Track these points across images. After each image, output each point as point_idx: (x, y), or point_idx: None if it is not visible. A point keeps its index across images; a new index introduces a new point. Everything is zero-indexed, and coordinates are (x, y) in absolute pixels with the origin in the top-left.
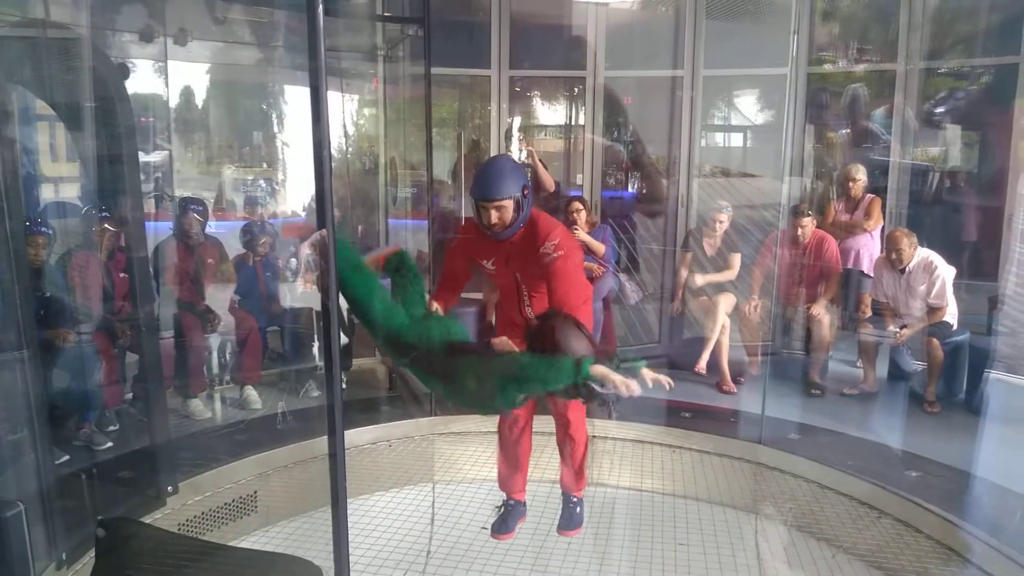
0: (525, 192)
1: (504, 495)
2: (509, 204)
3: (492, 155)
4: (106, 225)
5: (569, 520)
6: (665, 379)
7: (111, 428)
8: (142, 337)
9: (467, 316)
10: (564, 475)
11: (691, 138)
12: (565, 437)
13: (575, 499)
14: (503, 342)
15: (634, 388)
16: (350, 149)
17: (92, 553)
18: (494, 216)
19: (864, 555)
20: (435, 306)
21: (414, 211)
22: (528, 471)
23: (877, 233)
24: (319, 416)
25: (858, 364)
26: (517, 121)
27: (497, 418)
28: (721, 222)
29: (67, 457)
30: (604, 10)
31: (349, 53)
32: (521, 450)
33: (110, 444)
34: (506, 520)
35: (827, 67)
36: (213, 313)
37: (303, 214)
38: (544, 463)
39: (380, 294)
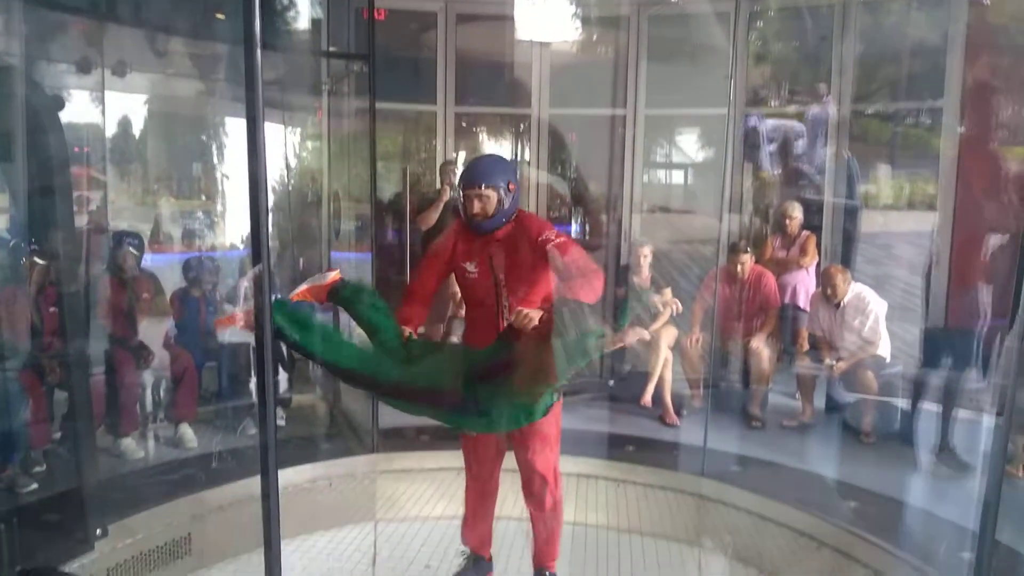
0: (510, 187)
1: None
2: (492, 195)
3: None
4: (35, 258)
5: None
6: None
7: (37, 469)
8: (72, 374)
9: None
10: (537, 543)
11: (633, 175)
12: (533, 494)
13: (550, 574)
14: (523, 315)
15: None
16: (291, 182)
17: None
18: (476, 205)
19: None
20: (407, 331)
21: (357, 244)
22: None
23: (813, 269)
24: (257, 455)
25: (796, 397)
26: (462, 155)
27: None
28: (645, 256)
29: None
30: (548, 50)
31: (292, 86)
32: (490, 489)
33: (35, 486)
34: None
35: (762, 108)
36: (146, 349)
37: (242, 247)
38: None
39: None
